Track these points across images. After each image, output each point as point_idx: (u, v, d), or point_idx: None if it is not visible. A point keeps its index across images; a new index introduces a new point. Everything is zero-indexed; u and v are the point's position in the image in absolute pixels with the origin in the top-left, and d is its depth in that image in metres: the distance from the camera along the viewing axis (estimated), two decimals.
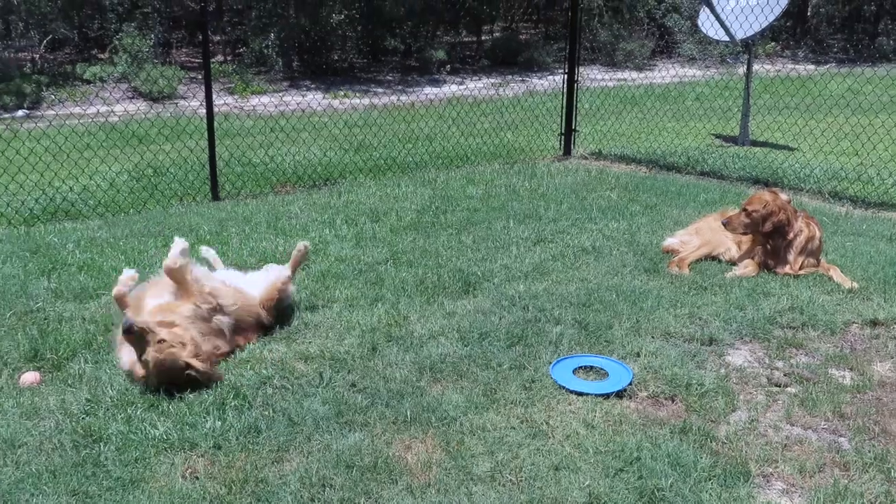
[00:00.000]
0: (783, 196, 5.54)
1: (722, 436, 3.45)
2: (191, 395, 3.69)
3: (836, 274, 5.31)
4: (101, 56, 18.58)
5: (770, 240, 5.41)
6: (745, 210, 5.46)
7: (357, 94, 16.98)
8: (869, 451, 3.33)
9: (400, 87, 18.33)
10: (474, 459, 3.24)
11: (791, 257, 5.39)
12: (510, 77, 19.61)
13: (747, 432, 3.49)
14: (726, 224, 5.52)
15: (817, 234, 5.47)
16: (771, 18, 10.27)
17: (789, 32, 23.21)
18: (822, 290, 5.11)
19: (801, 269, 5.38)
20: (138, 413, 3.55)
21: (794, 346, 4.35)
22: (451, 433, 3.42)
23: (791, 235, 5.38)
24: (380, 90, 17.91)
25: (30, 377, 3.90)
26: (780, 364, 4.16)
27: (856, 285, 5.16)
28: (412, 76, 19.99)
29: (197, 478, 3.12)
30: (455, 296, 5.02)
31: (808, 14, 23.68)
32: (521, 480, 3.11)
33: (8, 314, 4.68)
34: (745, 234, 5.55)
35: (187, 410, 3.56)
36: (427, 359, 4.08)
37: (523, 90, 16.69)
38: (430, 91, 16.63)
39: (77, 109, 12.92)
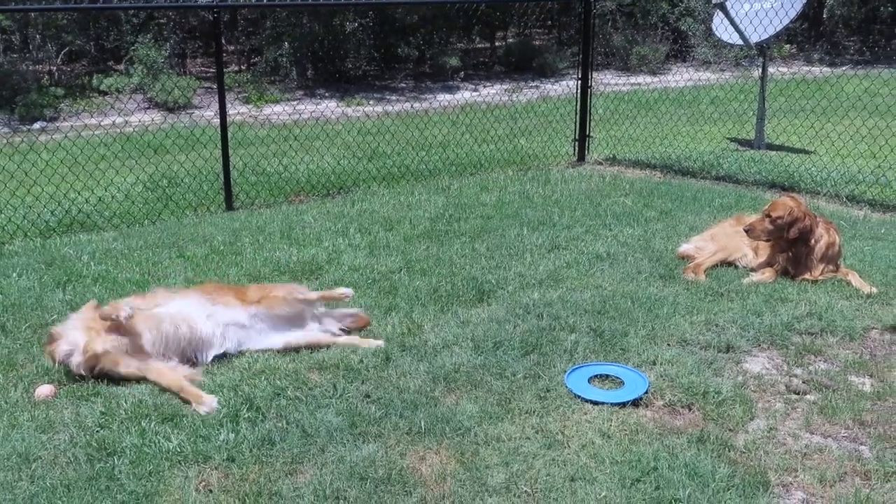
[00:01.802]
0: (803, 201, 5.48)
1: (740, 445, 3.41)
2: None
3: (855, 279, 5.25)
4: (117, 67, 18.69)
5: (793, 247, 5.34)
6: (768, 216, 5.36)
7: (371, 102, 16.99)
8: (891, 460, 3.28)
9: (414, 94, 18.32)
10: (489, 470, 3.21)
11: (813, 264, 5.33)
12: (524, 83, 19.58)
13: (766, 441, 3.45)
14: (748, 231, 5.43)
15: (837, 239, 5.41)
16: (786, 21, 10.18)
17: (804, 35, 23.03)
18: (841, 296, 5.05)
19: (821, 275, 5.32)
20: (152, 426, 3.55)
21: (813, 353, 4.30)
22: (466, 444, 3.40)
23: (813, 242, 5.31)
24: (393, 97, 17.91)
25: (45, 390, 3.90)
26: (798, 371, 4.11)
27: (875, 290, 5.10)
28: (426, 83, 19.98)
29: (211, 491, 3.12)
30: (469, 304, 5.00)
31: (824, 17, 23.50)
32: (536, 492, 3.09)
33: (23, 327, 4.71)
34: (767, 240, 5.47)
35: (201, 423, 3.56)
36: (441, 368, 4.06)
37: (537, 96, 16.66)
38: (443, 98, 16.63)
39: (93, 121, 13.00)
